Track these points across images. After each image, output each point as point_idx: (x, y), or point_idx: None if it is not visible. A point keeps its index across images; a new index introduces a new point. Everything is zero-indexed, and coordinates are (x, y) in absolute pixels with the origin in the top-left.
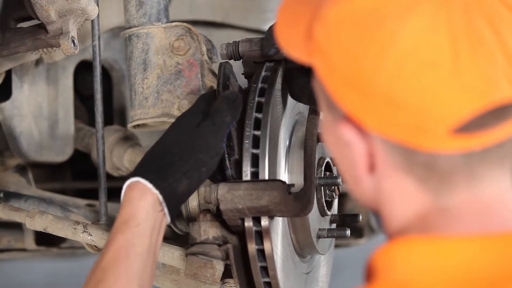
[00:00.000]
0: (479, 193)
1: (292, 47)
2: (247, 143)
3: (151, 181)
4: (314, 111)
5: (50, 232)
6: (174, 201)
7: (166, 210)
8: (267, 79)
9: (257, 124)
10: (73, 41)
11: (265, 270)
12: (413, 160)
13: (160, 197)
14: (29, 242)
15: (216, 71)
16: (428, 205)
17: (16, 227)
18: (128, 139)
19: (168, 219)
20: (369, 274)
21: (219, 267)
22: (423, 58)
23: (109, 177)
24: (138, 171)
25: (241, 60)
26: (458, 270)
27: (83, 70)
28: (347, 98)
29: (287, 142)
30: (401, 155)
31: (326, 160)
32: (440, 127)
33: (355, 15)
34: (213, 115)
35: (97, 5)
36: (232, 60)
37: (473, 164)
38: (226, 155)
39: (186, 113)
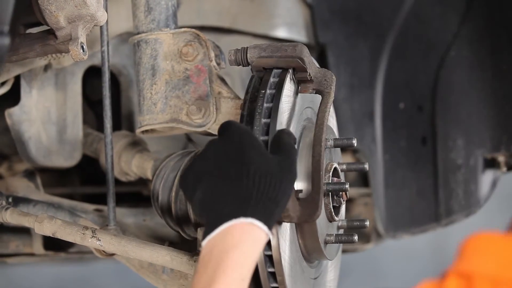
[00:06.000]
0: None
1: None
2: None
3: (264, 222)
4: (321, 118)
5: (59, 237)
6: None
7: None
8: (275, 85)
9: (266, 130)
10: (82, 47)
11: (273, 275)
12: None
13: (270, 235)
14: (38, 247)
15: (224, 77)
16: None
17: (25, 231)
18: (137, 145)
19: None
20: None
21: None
22: None
23: (117, 182)
24: (247, 210)
25: (250, 65)
26: None
27: (92, 75)
28: None
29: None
30: None
31: (334, 166)
32: None
33: None
34: (287, 148)
35: (106, 11)
36: (240, 66)
37: None
38: None
39: (250, 138)
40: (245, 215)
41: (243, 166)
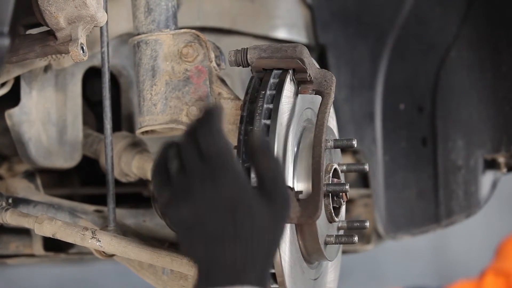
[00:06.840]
0: None
1: None
2: None
3: (260, 284)
4: (321, 119)
5: (59, 238)
6: None
7: None
8: (275, 86)
9: (266, 131)
10: (82, 48)
11: (273, 276)
12: None
13: None
14: (38, 248)
15: (224, 78)
16: None
17: (25, 232)
18: (137, 145)
19: None
20: None
21: None
22: None
23: (117, 183)
24: (245, 278)
25: (250, 66)
26: None
27: (92, 76)
28: None
29: (295, 149)
30: None
31: (334, 167)
32: None
33: None
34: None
35: (106, 12)
36: (240, 67)
37: None
38: (241, 161)
39: (234, 169)
40: (242, 282)
41: (236, 227)
